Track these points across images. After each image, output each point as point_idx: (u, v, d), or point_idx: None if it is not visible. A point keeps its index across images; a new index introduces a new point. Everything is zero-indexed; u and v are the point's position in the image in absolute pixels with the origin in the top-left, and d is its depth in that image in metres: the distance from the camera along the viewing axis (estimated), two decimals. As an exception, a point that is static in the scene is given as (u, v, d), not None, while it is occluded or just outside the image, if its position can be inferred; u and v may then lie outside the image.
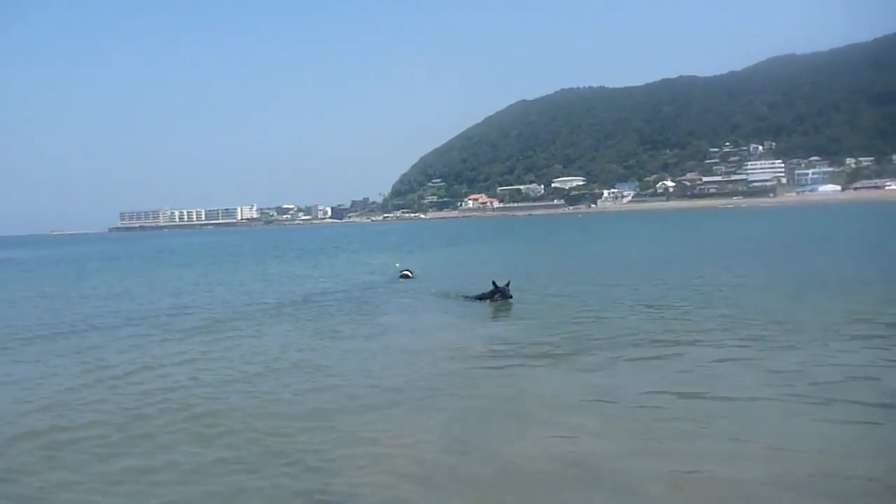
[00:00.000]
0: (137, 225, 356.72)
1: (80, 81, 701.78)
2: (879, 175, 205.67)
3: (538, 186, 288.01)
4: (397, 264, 34.48)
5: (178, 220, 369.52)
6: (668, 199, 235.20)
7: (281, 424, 9.70)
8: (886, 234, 49.45)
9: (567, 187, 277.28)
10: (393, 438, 8.96)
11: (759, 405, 9.67)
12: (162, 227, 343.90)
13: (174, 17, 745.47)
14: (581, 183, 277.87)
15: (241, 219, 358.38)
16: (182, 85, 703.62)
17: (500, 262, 40.88)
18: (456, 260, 44.33)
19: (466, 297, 21.33)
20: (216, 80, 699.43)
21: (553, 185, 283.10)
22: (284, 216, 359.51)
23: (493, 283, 20.32)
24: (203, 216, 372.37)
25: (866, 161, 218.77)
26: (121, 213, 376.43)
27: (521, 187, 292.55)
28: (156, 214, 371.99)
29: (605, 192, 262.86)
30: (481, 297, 20.57)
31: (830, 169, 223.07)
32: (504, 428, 9.23)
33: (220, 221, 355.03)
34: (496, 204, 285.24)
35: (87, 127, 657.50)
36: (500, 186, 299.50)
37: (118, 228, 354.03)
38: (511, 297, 19.95)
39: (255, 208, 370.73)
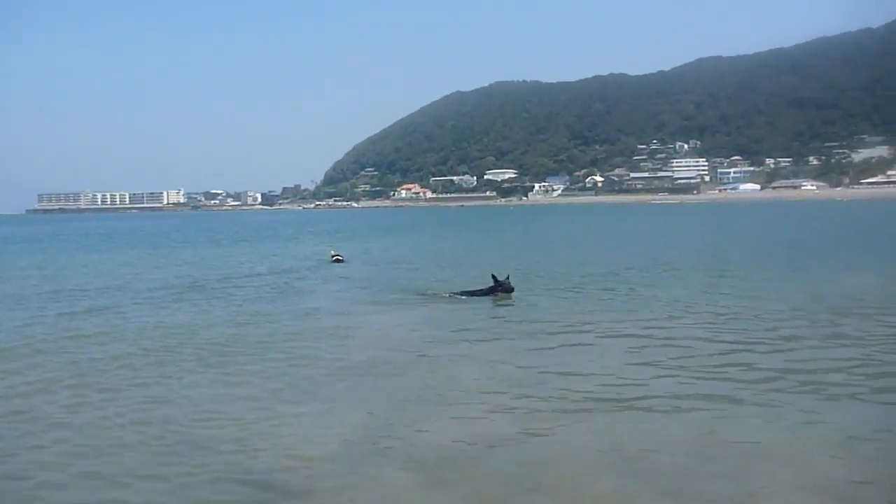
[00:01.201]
0: (57, 207, 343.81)
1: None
2: (796, 175, 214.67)
3: (471, 178, 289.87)
4: (332, 252, 35.16)
5: (100, 203, 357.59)
6: (596, 194, 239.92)
7: (200, 409, 9.86)
8: (783, 230, 52.29)
9: (499, 179, 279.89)
10: (312, 422, 9.19)
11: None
12: (83, 211, 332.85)
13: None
14: (513, 175, 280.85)
15: (168, 203, 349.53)
16: (108, 64, 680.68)
17: (437, 252, 41.75)
18: (397, 250, 44.28)
19: (463, 294, 19.70)
20: (143, 61, 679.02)
21: (486, 176, 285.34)
22: (213, 202, 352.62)
23: (493, 276, 19.19)
24: (127, 200, 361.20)
25: (784, 162, 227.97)
26: (39, 195, 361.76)
27: (455, 178, 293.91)
28: (77, 197, 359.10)
29: (536, 186, 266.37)
30: (481, 293, 19.32)
31: (751, 168, 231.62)
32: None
33: (145, 206, 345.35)
34: (429, 194, 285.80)
35: (3, 104, 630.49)
36: (434, 177, 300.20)
37: (35, 211, 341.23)
38: (513, 290, 18.98)
39: (182, 193, 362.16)
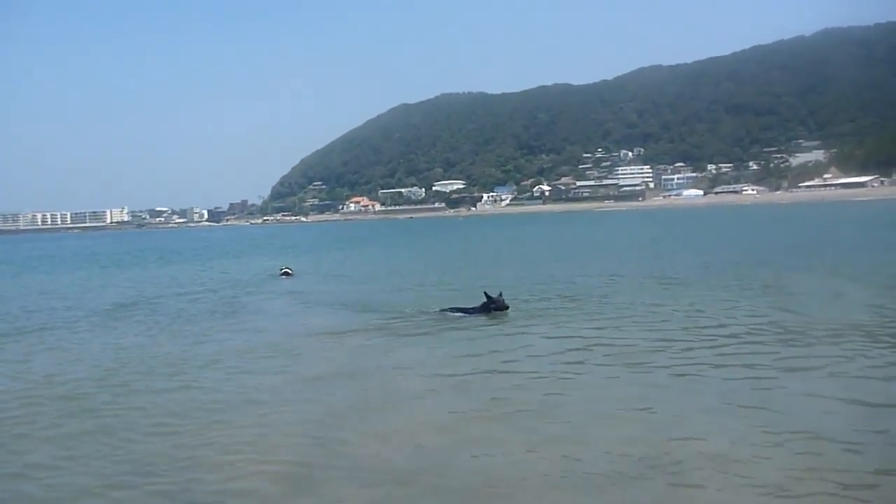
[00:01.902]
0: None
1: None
2: (737, 180, 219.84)
3: (419, 189, 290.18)
4: (281, 267, 35.19)
5: (40, 223, 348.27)
6: (544, 203, 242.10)
7: (147, 425, 9.87)
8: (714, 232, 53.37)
9: (448, 190, 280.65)
10: (258, 436, 9.23)
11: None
12: (23, 231, 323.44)
13: (41, 10, 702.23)
14: (461, 186, 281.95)
15: (111, 222, 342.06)
16: (46, 79, 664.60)
17: (392, 262, 41.94)
18: (350, 263, 44.22)
19: (453, 311, 18.76)
20: (83, 76, 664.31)
21: (434, 188, 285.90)
22: (157, 219, 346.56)
23: (486, 293, 18.26)
24: (69, 219, 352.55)
25: (725, 167, 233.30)
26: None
27: (403, 190, 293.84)
28: (15, 217, 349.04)
29: (485, 196, 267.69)
30: (474, 310, 18.27)
31: (694, 174, 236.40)
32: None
33: (87, 225, 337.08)
34: (378, 207, 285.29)
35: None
36: (382, 189, 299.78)
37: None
38: (507, 307, 18.07)
39: (125, 211, 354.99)
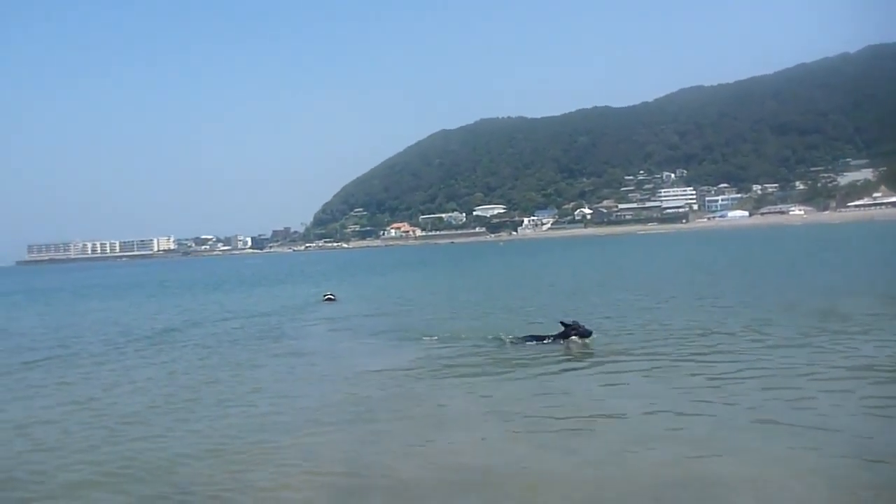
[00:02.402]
0: (47, 258, 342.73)
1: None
2: (783, 200, 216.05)
3: (460, 214, 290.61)
4: (325, 295, 35.49)
5: (90, 252, 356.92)
6: (585, 226, 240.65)
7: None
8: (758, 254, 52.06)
9: (488, 215, 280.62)
10: (300, 460, 9.23)
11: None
12: (73, 260, 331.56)
13: (84, 46, 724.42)
14: (502, 211, 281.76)
15: (158, 250, 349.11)
16: (93, 113, 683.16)
17: (434, 288, 41.73)
18: (396, 289, 44.10)
19: (528, 339, 17.37)
20: (129, 108, 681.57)
21: (474, 213, 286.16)
22: (203, 247, 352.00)
23: (562, 322, 16.95)
24: (117, 248, 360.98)
25: (771, 187, 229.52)
26: (29, 246, 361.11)
27: (443, 215, 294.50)
28: (67, 247, 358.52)
29: (526, 220, 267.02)
30: (551, 338, 16.97)
31: (738, 195, 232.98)
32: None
33: (135, 253, 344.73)
34: (419, 232, 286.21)
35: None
36: (423, 215, 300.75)
37: (26, 262, 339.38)
38: (591, 333, 16.69)
39: (172, 240, 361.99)
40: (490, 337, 18.25)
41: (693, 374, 12.86)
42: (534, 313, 23.56)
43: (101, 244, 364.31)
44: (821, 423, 9.42)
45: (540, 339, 17.22)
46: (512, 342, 17.47)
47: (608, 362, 14.57)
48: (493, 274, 54.45)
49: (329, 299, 34.18)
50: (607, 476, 8.05)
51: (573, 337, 16.67)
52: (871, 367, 12.35)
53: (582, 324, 17.01)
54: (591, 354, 15.59)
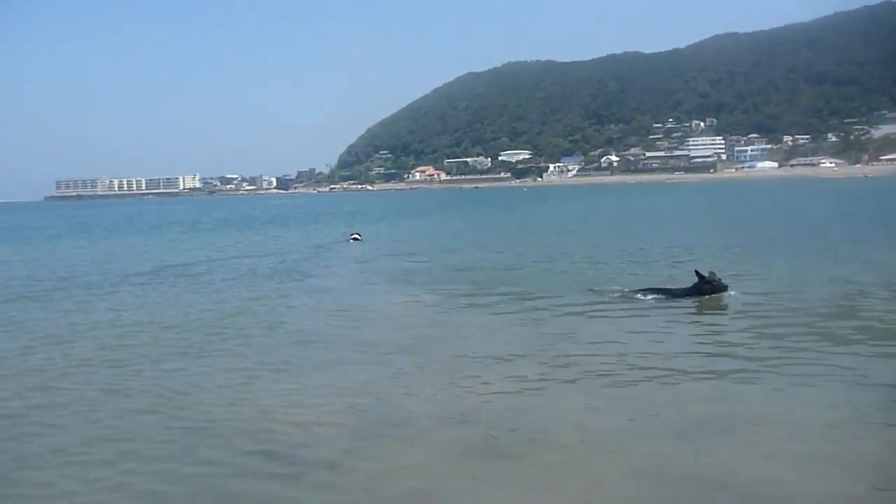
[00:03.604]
0: (74, 194, 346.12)
1: (8, 47, 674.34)
2: (815, 153, 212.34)
3: (485, 159, 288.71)
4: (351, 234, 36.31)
5: (117, 189, 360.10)
6: (612, 174, 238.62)
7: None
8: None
9: (514, 160, 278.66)
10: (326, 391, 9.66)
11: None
12: (100, 197, 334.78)
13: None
14: (527, 156, 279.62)
15: (184, 188, 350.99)
16: (121, 51, 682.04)
17: (471, 232, 41.53)
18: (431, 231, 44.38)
19: (655, 293, 15.30)
20: (157, 47, 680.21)
21: (500, 157, 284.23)
22: (228, 186, 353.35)
23: (697, 272, 14.84)
24: (144, 185, 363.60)
25: (802, 139, 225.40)
26: (57, 182, 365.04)
27: (469, 160, 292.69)
28: (94, 183, 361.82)
29: (551, 166, 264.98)
30: (682, 293, 14.96)
31: (769, 146, 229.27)
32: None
33: (161, 191, 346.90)
34: (443, 176, 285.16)
35: (19, 93, 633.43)
36: (448, 159, 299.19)
37: (54, 197, 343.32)
38: (727, 287, 14.64)
39: (197, 178, 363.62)
40: (595, 289, 16.38)
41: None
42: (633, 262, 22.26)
43: (127, 181, 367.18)
44: None
45: (669, 292, 15.19)
46: (629, 294, 15.58)
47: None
48: (539, 222, 50.95)
49: (356, 238, 34.79)
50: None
51: (708, 292, 14.63)
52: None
53: (718, 276, 14.80)
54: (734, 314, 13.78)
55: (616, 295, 15.65)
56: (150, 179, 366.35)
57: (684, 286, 15.15)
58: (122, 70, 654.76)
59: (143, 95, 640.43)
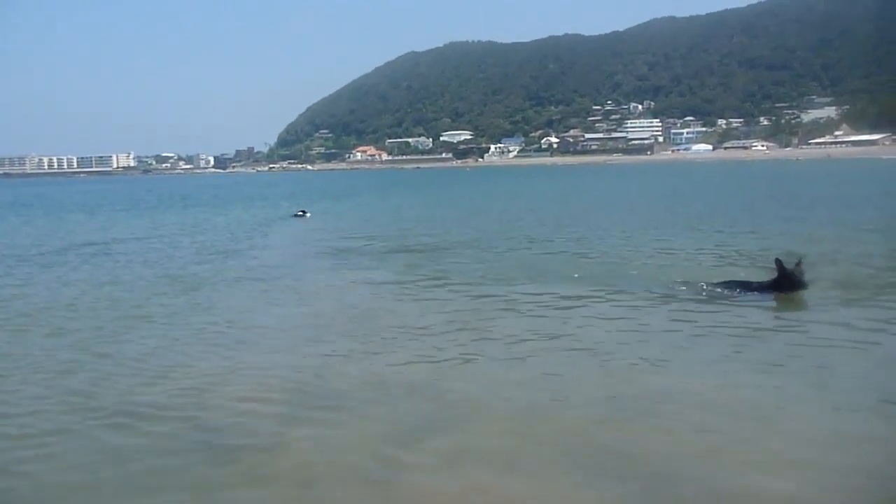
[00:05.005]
0: (1, 172, 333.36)
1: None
2: (748, 136, 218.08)
3: (427, 139, 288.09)
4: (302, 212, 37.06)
5: (46, 167, 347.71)
6: (552, 155, 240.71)
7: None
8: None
9: (455, 141, 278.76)
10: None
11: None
12: (29, 175, 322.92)
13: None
14: (469, 137, 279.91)
15: (118, 167, 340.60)
16: (54, 24, 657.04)
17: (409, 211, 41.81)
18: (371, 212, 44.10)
19: (726, 286, 13.42)
20: (88, 20, 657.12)
21: (441, 138, 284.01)
22: (164, 165, 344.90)
23: (777, 261, 12.64)
24: (75, 164, 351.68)
25: (736, 122, 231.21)
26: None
27: (410, 140, 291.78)
28: (22, 161, 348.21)
29: (492, 147, 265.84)
30: (758, 287, 13.02)
31: (703, 129, 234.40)
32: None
33: (94, 169, 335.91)
34: (384, 156, 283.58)
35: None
36: (389, 139, 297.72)
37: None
38: (806, 285, 12.56)
39: (132, 156, 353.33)
40: (679, 282, 14.36)
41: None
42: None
43: (57, 159, 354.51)
44: None
45: (746, 286, 13.25)
46: (695, 286, 13.78)
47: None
48: (505, 203, 52.02)
49: (301, 214, 35.89)
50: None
51: (784, 289, 12.64)
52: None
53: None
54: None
55: (689, 285, 13.88)
56: (82, 157, 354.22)
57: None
58: (53, 41, 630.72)
59: (73, 69, 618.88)
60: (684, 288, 13.79)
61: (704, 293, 13.28)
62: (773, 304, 12.42)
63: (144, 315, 13.00)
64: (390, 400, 8.15)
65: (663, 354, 9.60)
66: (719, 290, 13.34)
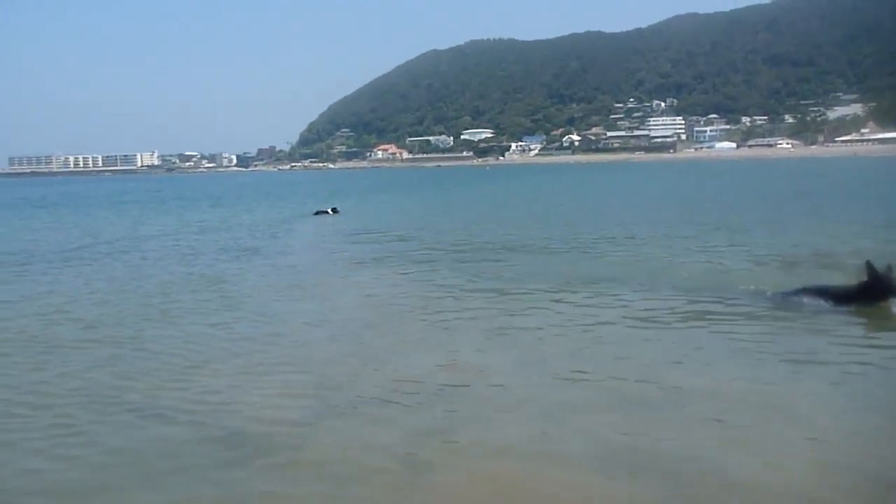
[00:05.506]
0: (28, 171, 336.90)
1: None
2: (772, 133, 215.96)
3: (447, 138, 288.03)
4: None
5: (72, 166, 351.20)
6: (573, 153, 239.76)
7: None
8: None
9: (476, 139, 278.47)
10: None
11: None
12: (55, 174, 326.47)
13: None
14: (489, 135, 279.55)
15: (141, 166, 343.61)
16: (75, 25, 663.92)
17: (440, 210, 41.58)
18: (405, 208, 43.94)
19: (805, 294, 11.56)
20: (113, 20, 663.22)
21: (462, 136, 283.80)
22: (187, 164, 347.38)
23: (869, 265, 10.79)
24: (100, 163, 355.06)
25: (760, 120, 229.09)
26: (10, 159, 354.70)
27: (431, 138, 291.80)
28: (49, 160, 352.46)
29: (513, 145, 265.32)
30: (845, 294, 11.13)
31: (727, 126, 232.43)
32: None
33: (118, 168, 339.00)
34: (405, 155, 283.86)
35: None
36: (410, 137, 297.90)
37: (7, 174, 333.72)
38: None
39: (156, 155, 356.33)
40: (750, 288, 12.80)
41: None
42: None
43: (83, 158, 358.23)
44: None
45: (829, 294, 11.39)
46: (771, 295, 12.05)
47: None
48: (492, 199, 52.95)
49: (330, 211, 35.93)
50: None
51: (877, 297, 10.79)
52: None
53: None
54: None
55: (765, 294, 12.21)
56: (107, 156, 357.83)
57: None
58: (78, 43, 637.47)
59: (99, 71, 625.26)
60: (755, 296, 12.16)
61: (784, 303, 11.48)
62: (864, 319, 10.57)
63: (173, 311, 12.94)
64: (418, 399, 7.99)
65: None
66: (797, 298, 11.49)
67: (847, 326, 10.23)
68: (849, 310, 10.75)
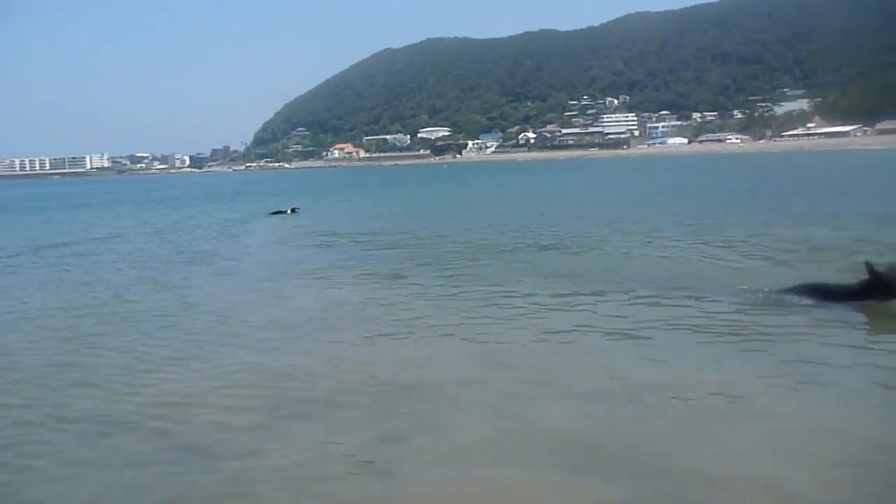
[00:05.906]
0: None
1: None
2: (722, 129, 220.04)
3: (404, 136, 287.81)
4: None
5: (18, 169, 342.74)
6: (529, 150, 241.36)
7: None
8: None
9: (433, 137, 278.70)
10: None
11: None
12: (1, 177, 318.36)
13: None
14: (446, 133, 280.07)
15: (91, 168, 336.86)
16: (27, 21, 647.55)
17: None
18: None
19: (803, 292, 11.33)
20: (58, 21, 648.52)
21: (419, 135, 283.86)
22: (138, 165, 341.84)
23: (868, 265, 10.55)
24: (48, 165, 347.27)
25: (710, 115, 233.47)
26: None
27: (388, 137, 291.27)
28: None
29: (470, 143, 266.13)
30: (845, 294, 10.94)
31: (678, 123, 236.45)
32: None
33: (67, 171, 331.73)
34: (362, 154, 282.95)
35: None
36: (367, 136, 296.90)
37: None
38: None
39: (106, 157, 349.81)
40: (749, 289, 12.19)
41: None
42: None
43: (29, 160, 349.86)
44: None
45: (829, 293, 11.15)
46: (775, 296, 11.60)
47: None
48: (454, 197, 52.49)
49: (293, 211, 36.36)
50: None
51: (879, 296, 10.58)
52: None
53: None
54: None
55: (766, 295, 11.77)
56: (55, 159, 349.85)
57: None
58: (26, 41, 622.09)
59: (45, 69, 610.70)
60: (751, 294, 11.85)
61: (781, 302, 11.24)
62: (865, 318, 10.39)
63: (128, 316, 12.77)
64: (378, 400, 7.95)
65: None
66: (795, 297, 11.22)
67: (847, 326, 10.08)
68: (848, 309, 10.58)
